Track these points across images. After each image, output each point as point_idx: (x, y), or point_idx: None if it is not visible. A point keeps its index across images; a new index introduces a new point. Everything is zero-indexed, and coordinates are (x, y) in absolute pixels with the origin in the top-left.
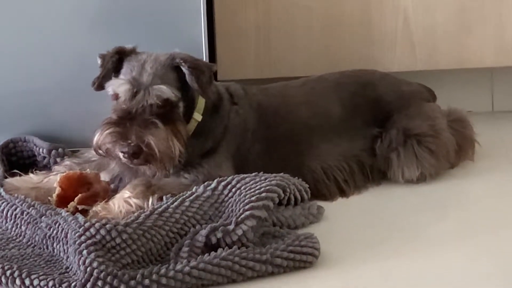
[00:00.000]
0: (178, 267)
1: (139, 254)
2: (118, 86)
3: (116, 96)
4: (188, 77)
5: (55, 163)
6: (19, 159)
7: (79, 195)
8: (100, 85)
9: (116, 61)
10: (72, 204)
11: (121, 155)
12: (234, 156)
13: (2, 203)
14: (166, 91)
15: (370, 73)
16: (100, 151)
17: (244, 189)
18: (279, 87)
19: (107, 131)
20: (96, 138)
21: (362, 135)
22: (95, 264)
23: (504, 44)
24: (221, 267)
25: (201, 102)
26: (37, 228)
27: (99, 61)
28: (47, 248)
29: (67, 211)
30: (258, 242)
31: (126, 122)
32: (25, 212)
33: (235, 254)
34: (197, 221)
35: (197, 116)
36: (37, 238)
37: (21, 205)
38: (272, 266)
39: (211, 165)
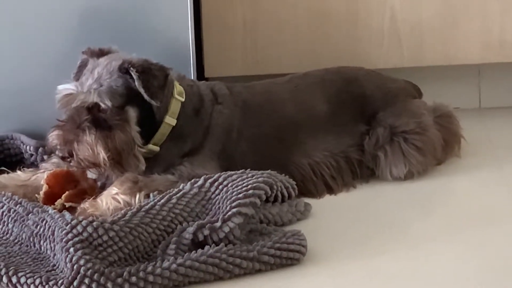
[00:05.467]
0: (165, 264)
1: (126, 252)
2: (62, 90)
3: None
4: (136, 82)
5: (42, 160)
6: (6, 157)
7: (66, 192)
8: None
9: (84, 60)
10: (59, 202)
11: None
12: (220, 155)
13: None
14: (92, 95)
15: (355, 70)
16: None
17: (231, 186)
18: (265, 84)
19: (51, 133)
20: (47, 138)
21: (349, 132)
22: (82, 262)
23: (491, 40)
24: (208, 265)
25: (175, 106)
26: (24, 226)
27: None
28: (34, 245)
29: (54, 209)
30: (245, 239)
31: (66, 125)
32: (12, 210)
33: (222, 251)
34: (184, 218)
35: (170, 120)
36: (24, 236)
37: (8, 202)
38: (259, 263)
39: (195, 164)
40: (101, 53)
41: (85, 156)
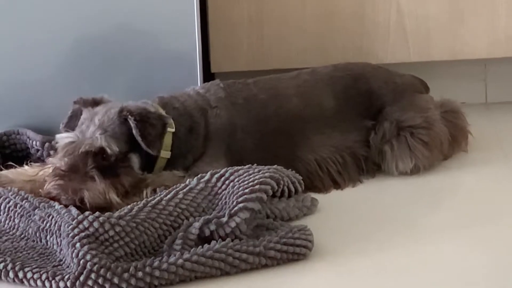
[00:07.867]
0: (172, 259)
1: (132, 247)
2: (62, 139)
3: None
4: (134, 130)
5: (49, 155)
6: (12, 152)
7: None
8: (65, 131)
9: (76, 109)
10: None
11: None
12: (226, 154)
13: None
14: (100, 140)
15: (362, 66)
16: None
17: (238, 181)
18: (270, 79)
19: (52, 183)
20: (45, 187)
21: (356, 127)
22: (88, 257)
23: (498, 35)
24: (214, 260)
25: (167, 139)
26: (30, 221)
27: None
28: (41, 241)
29: (60, 204)
30: (251, 234)
31: (69, 174)
32: (18, 205)
33: (229, 246)
34: (191, 213)
35: (165, 154)
36: (30, 231)
37: (14, 198)
38: (266, 258)
39: (201, 166)
40: (94, 103)
41: (97, 203)
